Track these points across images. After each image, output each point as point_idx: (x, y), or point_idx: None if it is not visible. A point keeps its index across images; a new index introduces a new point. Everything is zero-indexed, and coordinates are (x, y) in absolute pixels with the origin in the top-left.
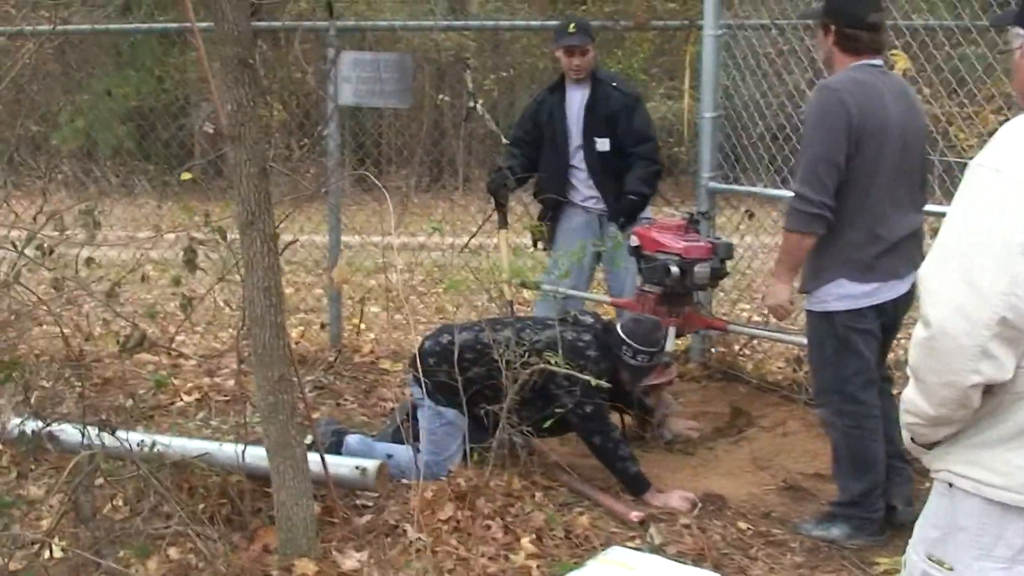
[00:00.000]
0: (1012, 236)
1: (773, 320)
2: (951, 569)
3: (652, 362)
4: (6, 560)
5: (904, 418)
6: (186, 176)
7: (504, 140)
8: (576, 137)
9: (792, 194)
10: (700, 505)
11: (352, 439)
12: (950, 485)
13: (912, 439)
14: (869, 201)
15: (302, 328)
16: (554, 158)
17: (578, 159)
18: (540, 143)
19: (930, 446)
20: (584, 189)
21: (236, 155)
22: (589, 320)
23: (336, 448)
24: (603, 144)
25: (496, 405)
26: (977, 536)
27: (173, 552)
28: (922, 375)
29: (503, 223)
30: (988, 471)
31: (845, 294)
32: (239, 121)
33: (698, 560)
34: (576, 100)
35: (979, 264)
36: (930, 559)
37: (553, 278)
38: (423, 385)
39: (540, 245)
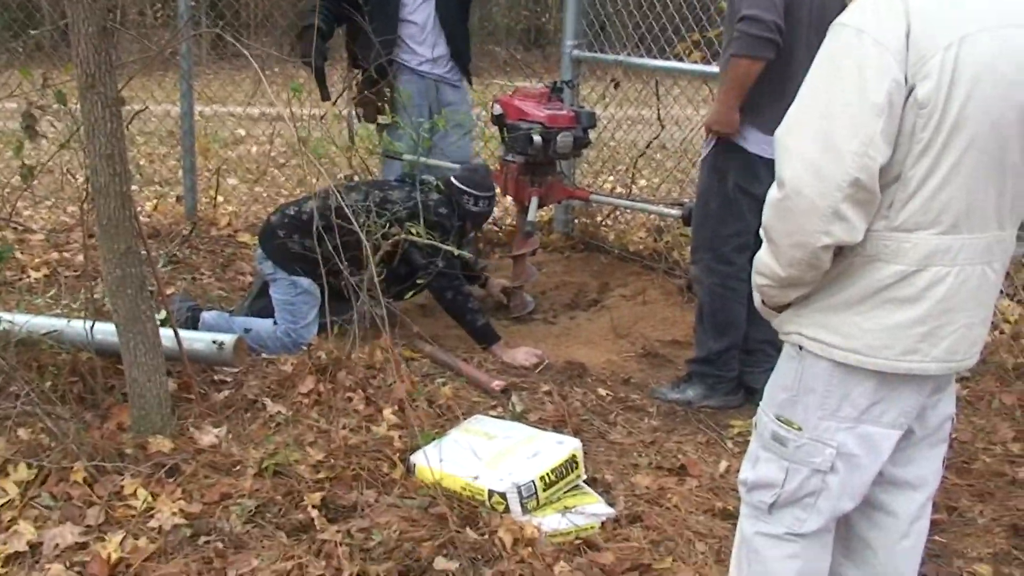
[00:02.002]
0: (868, 97)
1: (636, 191)
2: (800, 429)
3: (490, 206)
4: None
5: (756, 279)
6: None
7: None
8: None
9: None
10: (546, 361)
11: (208, 315)
12: (799, 348)
13: (763, 301)
14: (785, 52)
15: (156, 201)
16: (384, 12)
17: (417, 13)
18: None
19: (780, 309)
20: (421, 50)
21: (73, 13)
22: (430, 179)
23: (192, 324)
24: None
25: (355, 276)
26: (824, 397)
27: (22, 433)
28: (774, 235)
29: (325, 95)
30: (835, 334)
31: (751, 139)
32: None
33: (559, 426)
34: None
35: (835, 124)
36: (779, 419)
37: (402, 145)
38: (273, 258)
39: (379, 119)
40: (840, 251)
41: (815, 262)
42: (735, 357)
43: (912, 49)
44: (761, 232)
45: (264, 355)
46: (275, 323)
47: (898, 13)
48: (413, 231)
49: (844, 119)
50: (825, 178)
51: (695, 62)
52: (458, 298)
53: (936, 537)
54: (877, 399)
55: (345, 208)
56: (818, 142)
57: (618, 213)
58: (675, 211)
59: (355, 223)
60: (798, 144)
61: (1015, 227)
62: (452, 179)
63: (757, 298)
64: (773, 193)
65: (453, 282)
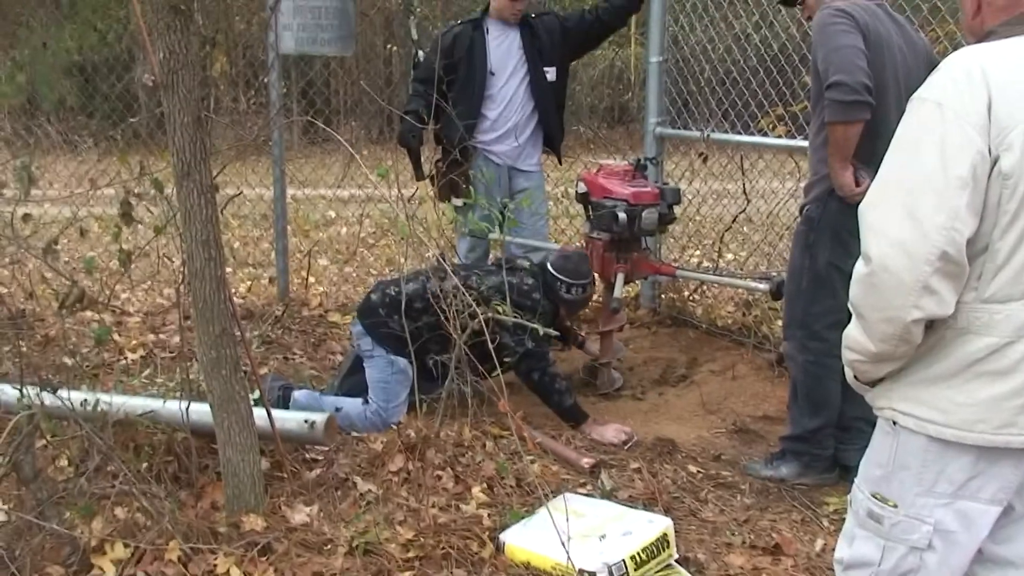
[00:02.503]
0: (952, 170)
1: (723, 264)
2: (895, 506)
3: (586, 293)
4: None
5: (846, 355)
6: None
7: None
8: (510, 71)
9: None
10: (635, 438)
11: (300, 394)
12: (893, 423)
13: (855, 376)
14: (876, 116)
15: (250, 283)
16: (468, 98)
17: (500, 99)
18: (452, 83)
19: (873, 384)
20: (500, 136)
21: (169, 104)
22: (526, 264)
23: (283, 403)
24: (551, 74)
25: (445, 355)
26: (920, 473)
27: (119, 512)
28: (863, 311)
29: (420, 175)
30: (930, 408)
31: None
32: (172, 68)
33: (649, 504)
34: (504, 36)
35: (920, 199)
36: (874, 496)
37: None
38: (373, 335)
39: (453, 200)
40: (932, 324)
41: (906, 336)
42: (830, 435)
43: (994, 121)
44: (850, 307)
45: (354, 434)
46: (365, 402)
47: (978, 85)
48: (500, 309)
49: (929, 194)
50: (913, 253)
51: (779, 136)
52: (544, 379)
53: None
54: (975, 474)
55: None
56: (904, 218)
57: (705, 288)
58: (763, 285)
59: (443, 303)
60: (883, 220)
61: None
62: (547, 264)
63: (849, 374)
64: (860, 269)
65: (540, 363)
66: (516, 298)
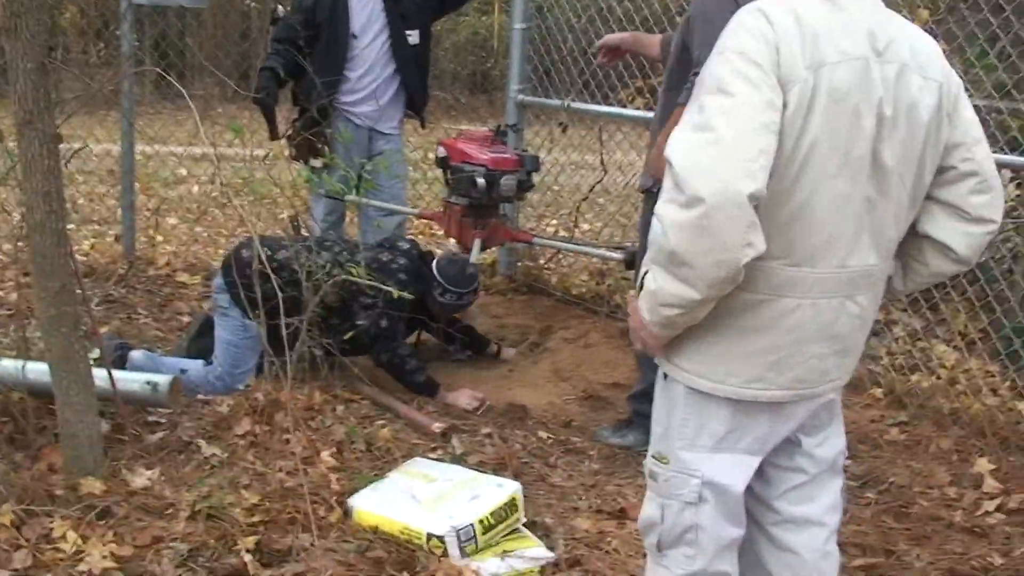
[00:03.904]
0: (764, 112)
1: (579, 234)
2: (667, 462)
3: (461, 302)
4: None
5: (659, 313)
6: None
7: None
8: (373, 34)
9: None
10: (488, 404)
11: (136, 354)
12: (664, 376)
13: (660, 329)
14: None
15: (94, 240)
16: (329, 59)
17: (363, 58)
18: (312, 42)
19: None
20: (362, 97)
21: (11, 49)
22: (406, 246)
23: (120, 364)
24: (414, 37)
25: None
26: (682, 427)
27: None
28: (691, 258)
29: (275, 134)
30: (689, 360)
31: None
32: (15, 12)
33: (499, 469)
34: None
35: (745, 139)
36: (654, 456)
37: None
38: (232, 294)
39: (312, 161)
40: None
41: (737, 277)
42: None
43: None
44: (665, 257)
45: (200, 397)
46: (207, 364)
47: (770, 38)
48: (354, 272)
49: (750, 136)
50: (741, 191)
51: (638, 108)
52: (394, 360)
53: None
54: (733, 427)
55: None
56: (732, 159)
57: (561, 256)
58: (617, 255)
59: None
60: (709, 162)
61: (886, 258)
62: (434, 261)
63: (653, 327)
64: (685, 213)
65: (389, 343)
66: (377, 272)
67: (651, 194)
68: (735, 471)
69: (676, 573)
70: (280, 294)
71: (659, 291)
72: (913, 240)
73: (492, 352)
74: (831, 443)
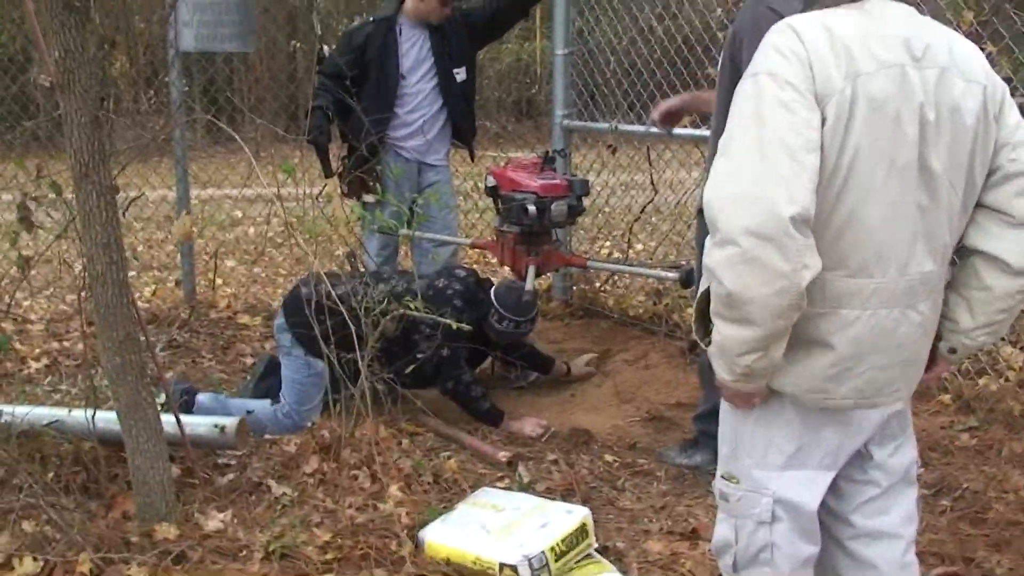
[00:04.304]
0: (802, 133)
1: (633, 255)
2: (738, 482)
3: (518, 330)
4: None
5: (733, 366)
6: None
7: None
8: (421, 73)
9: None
10: (552, 430)
11: (203, 397)
12: None
13: (743, 382)
14: None
15: (155, 286)
16: (379, 98)
17: (413, 96)
18: (359, 80)
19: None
20: (411, 132)
21: (65, 104)
22: (462, 273)
23: (187, 408)
24: (461, 74)
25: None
26: (751, 446)
27: (27, 526)
28: (749, 294)
29: (328, 172)
30: None
31: None
32: (68, 68)
33: (567, 495)
34: (415, 38)
35: (782, 162)
36: (723, 476)
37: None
38: (293, 333)
39: (365, 197)
40: None
41: (800, 302)
42: None
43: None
44: (722, 304)
45: (267, 436)
46: (273, 403)
47: (802, 56)
48: (412, 307)
49: (786, 158)
50: (783, 215)
51: (685, 126)
52: (459, 387)
53: None
54: (801, 444)
55: (332, 291)
56: (774, 185)
57: (616, 278)
58: (673, 274)
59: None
60: (746, 192)
61: (943, 264)
62: (492, 288)
63: (740, 388)
64: (726, 252)
65: (454, 371)
66: (432, 299)
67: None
68: (807, 488)
69: None
70: (340, 330)
71: (726, 342)
72: (966, 264)
73: (562, 371)
74: (903, 453)
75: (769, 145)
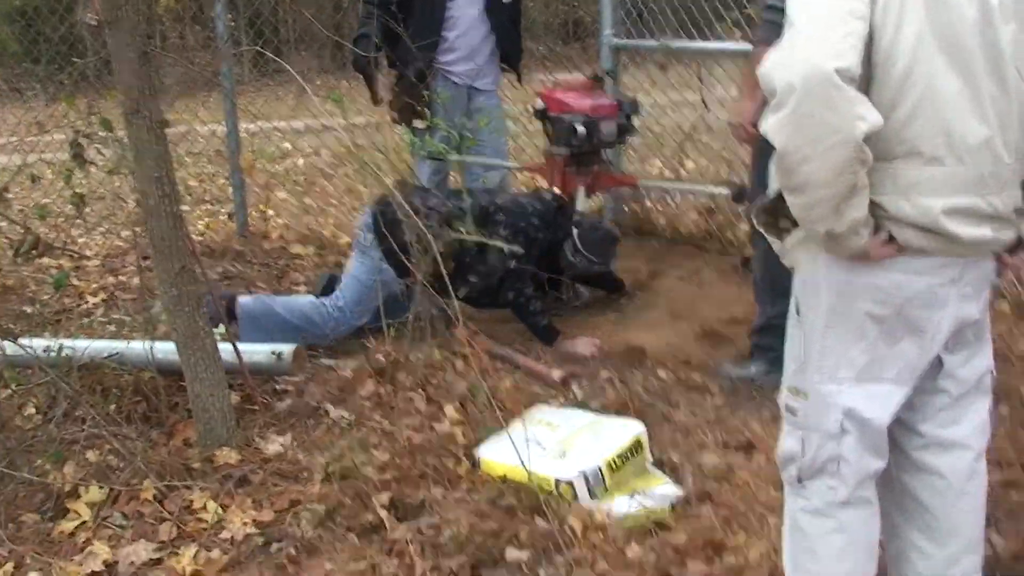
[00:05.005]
0: (849, 1)
1: (684, 173)
2: (806, 396)
3: (591, 268)
4: None
5: (832, 232)
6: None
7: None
8: None
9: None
10: (607, 348)
11: (246, 299)
12: (797, 312)
13: (854, 240)
14: None
15: (207, 220)
16: (426, 24)
17: (462, 20)
18: (405, 6)
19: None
20: (459, 57)
21: (114, 41)
22: (548, 196)
23: (230, 314)
24: None
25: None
26: (821, 360)
27: (91, 455)
28: (805, 152)
29: (377, 99)
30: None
31: None
32: (115, 5)
33: (622, 411)
34: None
35: (827, 25)
36: (790, 391)
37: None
38: (378, 234)
39: (415, 123)
40: None
41: (861, 155)
42: None
43: None
44: (784, 181)
45: (323, 362)
46: (317, 297)
47: None
48: (466, 231)
49: (824, 18)
50: (828, 69)
51: (736, 41)
52: (520, 299)
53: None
54: (874, 356)
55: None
56: (813, 41)
57: (668, 197)
58: (725, 190)
59: (417, 220)
60: (791, 52)
61: (1018, 159)
62: (575, 221)
63: (860, 248)
64: (778, 112)
65: (517, 283)
66: (512, 211)
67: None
68: (880, 403)
69: (816, 504)
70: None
71: (808, 215)
72: None
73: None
74: (975, 362)
75: (816, 13)
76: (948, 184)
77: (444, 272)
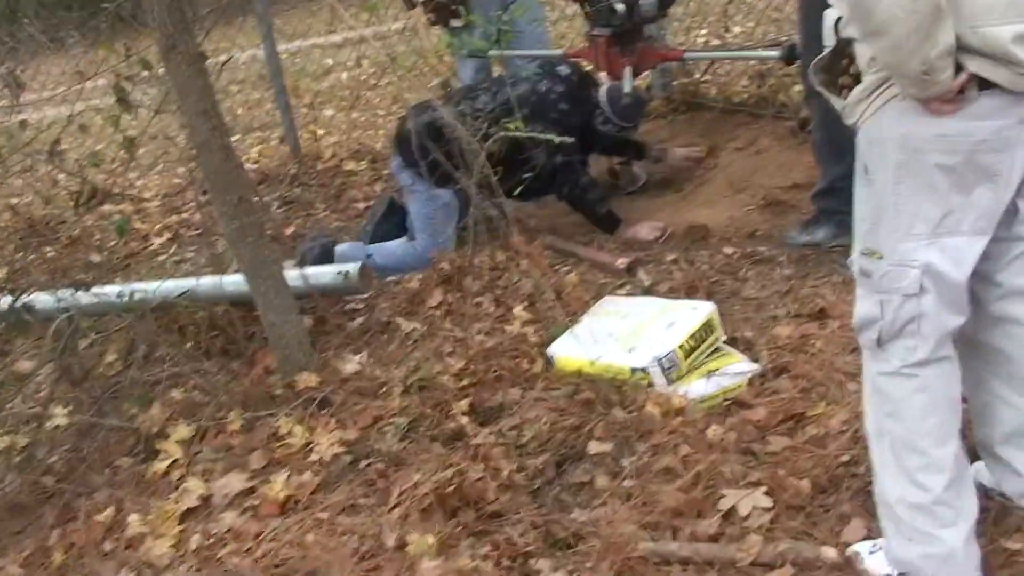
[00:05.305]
0: None
1: (731, 39)
2: (881, 257)
3: (620, 134)
4: (13, 437)
5: (913, 71)
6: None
7: None
8: None
9: None
10: (669, 231)
11: (342, 247)
12: (866, 170)
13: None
14: None
15: (260, 146)
16: None
17: None
18: None
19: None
20: None
21: None
22: (565, 71)
23: (327, 258)
24: None
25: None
26: (895, 218)
27: (175, 394)
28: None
29: (411, 2)
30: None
31: None
32: None
33: (690, 292)
34: None
35: None
36: (863, 253)
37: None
38: (412, 168)
39: (452, 22)
40: None
41: None
42: None
43: None
44: (862, 26)
45: (389, 277)
46: (409, 240)
47: None
48: (512, 127)
49: None
50: None
51: None
52: (576, 191)
53: None
54: (949, 207)
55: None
56: None
57: (717, 66)
58: (775, 52)
59: (460, 129)
60: None
61: None
62: (601, 88)
63: (937, 91)
64: None
65: (570, 176)
66: (539, 106)
67: None
68: (957, 257)
69: (897, 365)
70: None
71: (898, 55)
72: None
73: (655, 156)
74: None
75: None
76: (1013, 7)
77: (492, 175)
